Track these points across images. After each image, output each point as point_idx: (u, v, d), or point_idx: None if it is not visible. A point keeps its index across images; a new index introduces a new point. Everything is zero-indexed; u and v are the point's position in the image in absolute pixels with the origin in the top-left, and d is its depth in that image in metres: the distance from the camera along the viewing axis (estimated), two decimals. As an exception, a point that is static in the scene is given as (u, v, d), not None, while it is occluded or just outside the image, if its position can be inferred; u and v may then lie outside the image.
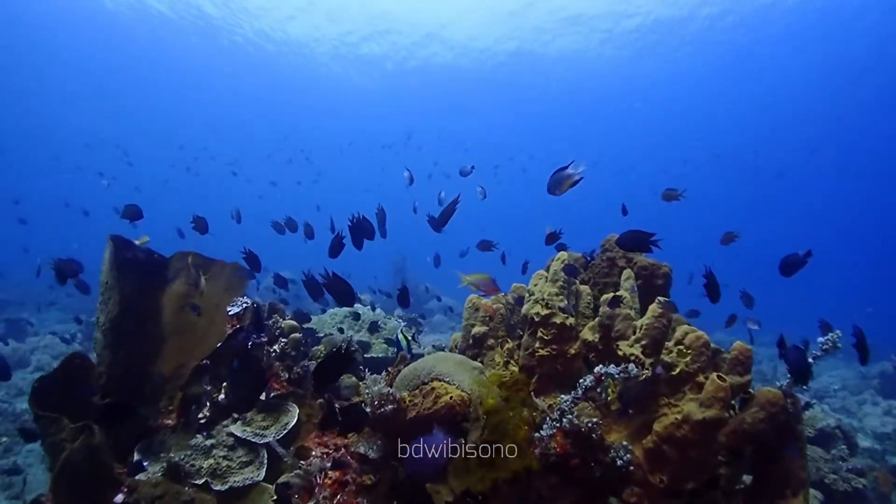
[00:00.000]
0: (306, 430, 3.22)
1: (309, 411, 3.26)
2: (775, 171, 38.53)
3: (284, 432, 3.16)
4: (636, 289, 2.80)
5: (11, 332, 10.56)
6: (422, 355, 4.51)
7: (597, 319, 2.67)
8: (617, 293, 2.56)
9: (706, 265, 3.02)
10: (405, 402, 2.63)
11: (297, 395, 3.31)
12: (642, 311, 2.87)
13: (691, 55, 26.64)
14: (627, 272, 2.90)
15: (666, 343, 2.45)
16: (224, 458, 3.06)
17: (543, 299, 2.70)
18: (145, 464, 3.01)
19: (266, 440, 3.11)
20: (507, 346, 2.91)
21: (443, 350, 5.80)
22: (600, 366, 2.37)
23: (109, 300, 3.25)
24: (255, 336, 3.39)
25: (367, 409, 2.64)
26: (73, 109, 33.86)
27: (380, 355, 5.44)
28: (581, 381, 2.38)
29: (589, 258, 3.55)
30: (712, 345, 2.46)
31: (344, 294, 3.08)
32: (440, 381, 2.61)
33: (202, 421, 3.18)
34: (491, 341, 3.02)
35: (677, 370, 2.42)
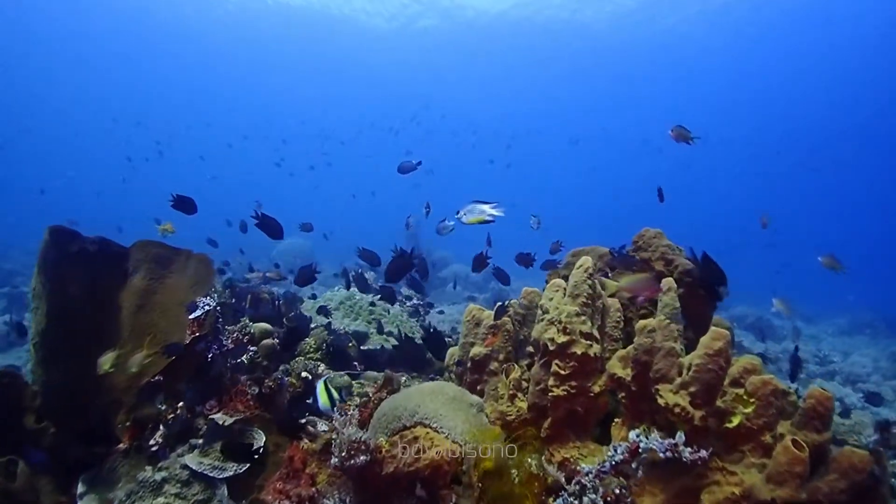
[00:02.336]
0: (273, 463, 2.70)
1: (277, 440, 2.73)
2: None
3: (248, 465, 2.64)
4: (680, 314, 2.19)
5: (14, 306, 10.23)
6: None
7: (629, 350, 2.07)
8: (657, 323, 1.94)
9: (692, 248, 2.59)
10: (381, 452, 2.07)
11: (263, 420, 2.78)
12: (688, 328, 2.28)
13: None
14: (668, 283, 2.28)
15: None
16: (176, 496, 2.57)
17: (560, 321, 2.10)
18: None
19: (226, 474, 2.60)
20: (513, 374, 2.33)
21: (444, 334, 5.26)
22: (637, 432, 1.79)
23: (38, 310, 2.73)
24: (215, 347, 2.85)
25: (335, 459, 2.09)
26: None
27: (377, 347, 4.90)
28: (610, 452, 1.80)
29: (616, 255, 2.92)
30: (779, 384, 1.85)
31: (273, 229, 3.27)
32: (426, 426, 2.05)
33: (154, 448, 2.68)
34: (494, 365, 2.43)
35: (734, 422, 1.83)
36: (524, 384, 2.38)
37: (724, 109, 34.70)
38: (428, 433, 2.01)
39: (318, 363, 4.31)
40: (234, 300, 4.65)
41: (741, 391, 1.86)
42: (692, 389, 1.82)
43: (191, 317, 2.95)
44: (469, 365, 2.45)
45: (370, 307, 5.32)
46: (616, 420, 2.11)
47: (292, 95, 39.61)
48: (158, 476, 2.58)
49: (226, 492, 2.60)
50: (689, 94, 33.88)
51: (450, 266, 15.63)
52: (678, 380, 1.87)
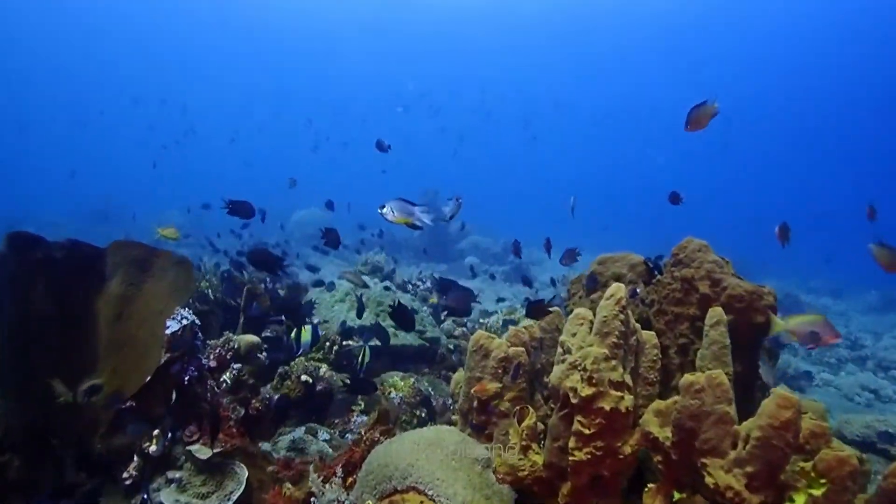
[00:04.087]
0: (256, 501, 2.40)
1: (261, 475, 2.43)
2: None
3: (229, 504, 2.35)
4: (730, 352, 1.82)
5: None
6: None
7: (669, 405, 1.70)
8: (706, 380, 1.56)
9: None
10: (369, 522, 1.75)
11: (246, 453, 2.48)
12: (735, 360, 1.90)
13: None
14: (716, 314, 1.90)
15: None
16: (149, 539, 2.29)
17: (586, 368, 1.73)
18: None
19: (205, 515, 2.32)
20: (526, 420, 1.97)
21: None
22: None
23: None
24: (192, 368, 2.54)
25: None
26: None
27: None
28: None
29: (653, 267, 2.53)
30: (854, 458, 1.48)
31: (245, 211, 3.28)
32: (420, 493, 1.71)
33: (128, 482, 2.39)
34: (505, 405, 2.08)
35: (798, 502, 1.47)
36: (540, 432, 2.03)
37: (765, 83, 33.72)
38: (422, 503, 1.67)
39: (320, 365, 4.02)
40: (228, 294, 4.35)
41: (807, 465, 1.50)
42: (749, 469, 1.46)
43: (168, 332, 2.64)
44: (475, 404, 2.10)
45: (378, 299, 4.99)
46: (650, 485, 1.76)
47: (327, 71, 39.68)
48: (131, 516, 2.31)
49: (204, 534, 2.32)
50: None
51: (468, 237, 15.27)
52: (732, 454, 1.51)
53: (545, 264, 15.80)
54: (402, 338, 4.70)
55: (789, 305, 11.73)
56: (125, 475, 2.38)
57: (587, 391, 1.70)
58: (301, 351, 3.61)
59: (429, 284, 6.87)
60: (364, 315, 4.68)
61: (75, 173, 20.14)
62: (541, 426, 2.07)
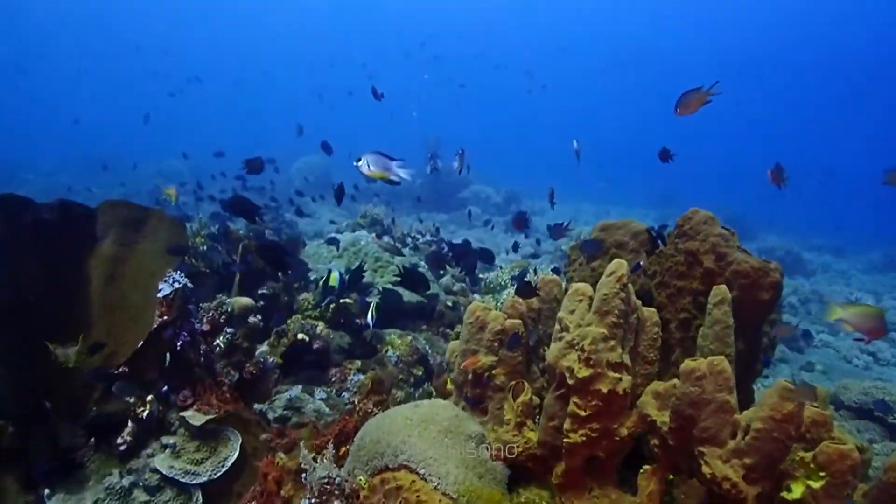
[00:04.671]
0: (250, 467, 2.40)
1: (255, 443, 2.42)
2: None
3: (223, 470, 2.35)
4: (733, 331, 1.76)
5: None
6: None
7: (668, 388, 1.66)
8: (707, 366, 1.50)
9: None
10: (359, 499, 1.73)
11: (240, 419, 2.46)
12: (737, 338, 1.85)
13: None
14: (720, 293, 1.84)
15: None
16: (145, 504, 2.30)
17: (583, 348, 1.68)
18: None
19: (199, 480, 2.32)
20: (521, 396, 1.93)
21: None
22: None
23: None
24: (184, 333, 2.50)
25: (306, 502, 1.76)
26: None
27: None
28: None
29: (656, 236, 2.46)
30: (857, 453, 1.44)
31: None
32: (412, 471, 1.69)
33: (122, 448, 2.39)
34: (501, 378, 2.04)
35: (795, 493, 1.45)
36: (535, 407, 2.00)
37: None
38: (414, 482, 1.65)
39: (316, 323, 4.00)
40: (227, 249, 4.30)
41: (807, 456, 1.46)
42: (748, 461, 1.42)
43: (161, 295, 2.59)
44: (470, 377, 2.06)
45: (377, 255, 4.93)
46: (646, 467, 1.73)
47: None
48: (126, 482, 2.32)
49: (200, 498, 2.33)
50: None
51: (469, 186, 15.12)
52: (730, 444, 1.47)
53: (547, 214, 15.71)
54: (401, 295, 4.66)
55: (790, 263, 11.70)
56: (119, 440, 2.37)
57: (584, 372, 1.66)
58: (327, 298, 3.58)
59: (428, 237, 6.78)
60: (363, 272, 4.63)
61: (79, 121, 19.79)
62: (536, 400, 2.04)
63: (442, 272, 5.94)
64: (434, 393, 3.55)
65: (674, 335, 2.13)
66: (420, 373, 4.03)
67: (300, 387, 3.60)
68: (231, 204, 2.96)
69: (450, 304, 4.96)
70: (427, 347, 4.26)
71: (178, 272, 2.64)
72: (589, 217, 16.47)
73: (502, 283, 5.13)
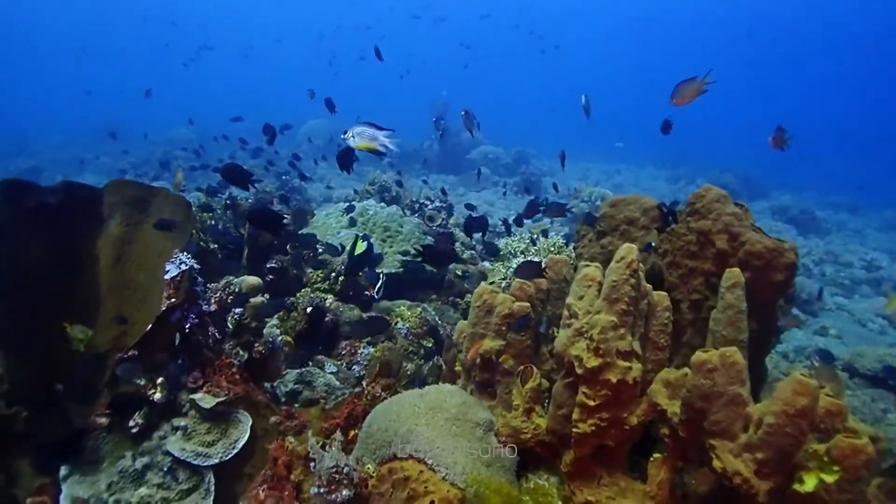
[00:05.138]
0: (261, 449, 2.42)
1: (265, 424, 2.44)
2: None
3: (234, 452, 2.38)
4: (745, 316, 1.72)
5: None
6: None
7: (680, 383, 1.63)
8: (719, 359, 1.46)
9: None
10: (367, 487, 1.74)
11: (249, 402, 2.47)
12: (750, 317, 1.81)
13: None
14: (733, 276, 1.79)
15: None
16: (159, 486, 2.33)
17: (592, 337, 1.65)
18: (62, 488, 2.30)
19: (211, 462, 2.35)
20: (530, 382, 1.91)
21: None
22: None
23: None
24: (192, 316, 2.50)
25: (315, 489, 1.76)
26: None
27: (394, 270, 4.53)
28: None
29: (667, 212, 2.39)
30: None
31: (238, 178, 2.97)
32: (419, 462, 1.68)
33: (134, 430, 2.41)
34: (509, 362, 2.02)
35: (807, 485, 1.42)
36: (545, 391, 1.98)
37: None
38: (422, 472, 1.65)
39: (326, 296, 3.99)
40: (235, 223, 4.28)
41: (820, 448, 1.43)
42: (759, 455, 1.40)
43: (167, 276, 2.57)
44: (479, 361, 2.05)
45: (385, 224, 4.89)
46: (656, 455, 1.72)
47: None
48: (139, 464, 2.34)
49: (212, 480, 2.36)
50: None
51: (479, 147, 14.95)
52: (742, 438, 1.44)
53: (557, 175, 15.56)
54: (410, 266, 4.64)
55: (804, 222, 11.53)
56: (131, 423, 2.39)
57: (593, 362, 1.63)
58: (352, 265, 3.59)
59: (437, 203, 6.72)
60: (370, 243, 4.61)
61: (91, 92, 19.64)
62: (545, 383, 2.02)
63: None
64: (444, 366, 3.56)
65: (685, 316, 2.09)
66: (430, 344, 4.02)
67: (310, 361, 3.62)
68: (224, 172, 2.91)
69: (459, 273, 4.93)
70: (437, 318, 4.25)
71: (185, 253, 2.62)
72: (599, 176, 16.30)
73: (512, 251, 5.08)
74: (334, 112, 5.82)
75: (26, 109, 22.72)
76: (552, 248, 4.99)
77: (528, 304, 2.06)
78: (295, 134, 14.32)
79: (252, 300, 2.73)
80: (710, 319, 1.86)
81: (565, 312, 1.82)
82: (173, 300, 2.50)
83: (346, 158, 3.27)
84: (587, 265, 2.08)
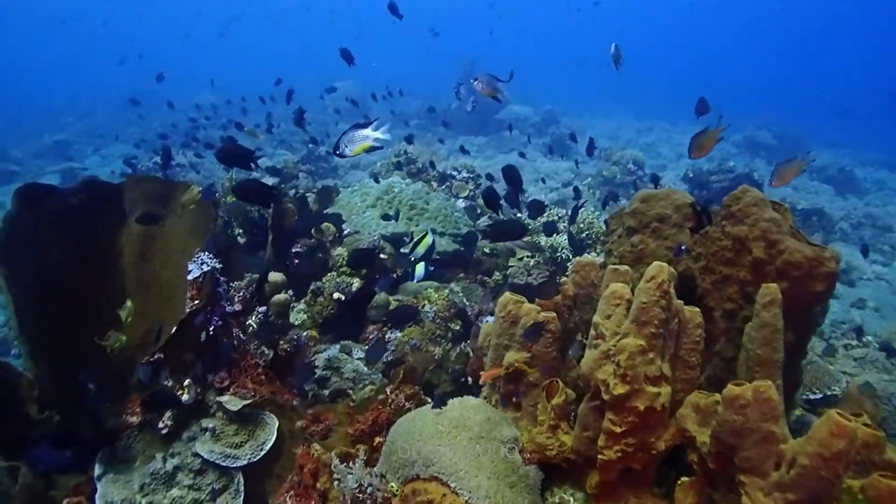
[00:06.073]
0: (288, 450, 2.45)
1: (290, 425, 2.45)
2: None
3: (262, 454, 2.41)
4: (782, 335, 1.65)
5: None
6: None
7: (711, 410, 1.57)
8: (753, 394, 1.40)
9: None
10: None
11: (275, 403, 2.49)
12: (787, 329, 1.73)
13: None
14: (769, 292, 1.70)
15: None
16: (190, 487, 2.38)
17: (620, 363, 1.59)
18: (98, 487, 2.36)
19: (239, 463, 2.38)
20: (555, 398, 1.87)
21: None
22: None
23: (11, 303, 2.37)
24: (216, 319, 2.50)
25: (340, 507, 1.77)
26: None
27: (420, 251, 4.49)
28: None
29: (701, 211, 2.29)
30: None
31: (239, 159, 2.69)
32: (442, 484, 1.67)
33: (164, 432, 2.45)
34: (535, 375, 1.98)
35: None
36: (570, 403, 1.94)
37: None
38: (445, 496, 1.64)
39: (352, 280, 3.98)
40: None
41: (855, 485, 1.38)
42: (791, 497, 1.34)
43: (190, 277, 2.57)
44: (503, 374, 2.01)
45: (412, 201, 4.83)
46: (684, 479, 1.68)
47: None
48: (170, 466, 2.39)
49: (241, 480, 2.40)
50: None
51: (507, 107, 14.67)
52: (773, 476, 1.39)
53: (587, 134, 15.21)
54: (436, 244, 4.59)
55: (842, 181, 11.11)
56: (161, 425, 2.43)
57: (620, 389, 1.58)
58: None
59: (465, 174, 6.63)
60: (399, 221, 4.57)
61: (124, 61, 19.57)
62: (572, 395, 1.98)
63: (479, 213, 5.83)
64: (471, 354, 3.54)
65: (718, 325, 2.02)
66: (458, 327, 4.00)
67: (338, 346, 3.63)
68: (222, 153, 2.76)
69: (487, 250, 4.87)
70: (465, 300, 4.22)
71: (206, 253, 2.61)
72: (631, 134, 15.87)
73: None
74: (353, 64, 5.70)
75: (58, 82, 22.88)
76: (582, 224, 4.90)
77: (554, 315, 2.00)
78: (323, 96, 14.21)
79: (275, 298, 2.72)
80: (745, 335, 1.79)
81: (592, 332, 1.76)
82: (196, 302, 2.50)
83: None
84: (615, 267, 2.02)
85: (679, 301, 1.77)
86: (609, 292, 1.77)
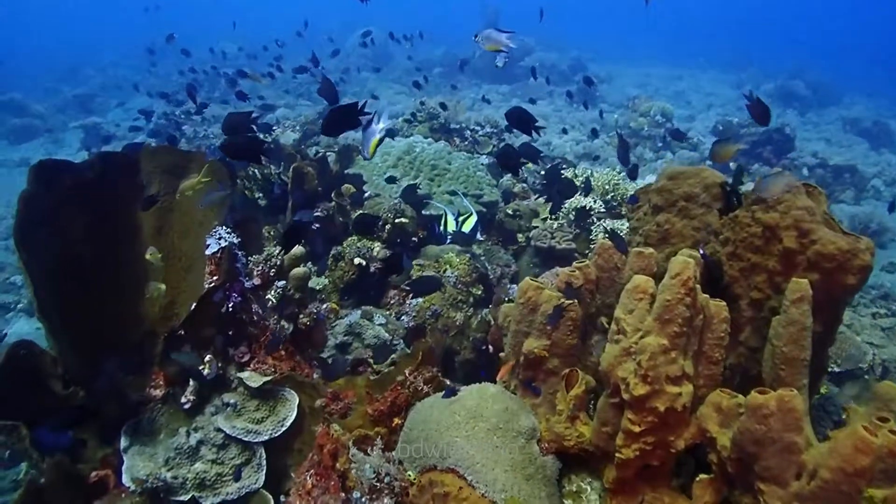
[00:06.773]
0: (309, 427, 2.48)
1: (310, 402, 2.48)
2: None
3: (283, 430, 2.45)
4: (811, 332, 1.59)
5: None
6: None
7: (733, 412, 1.53)
8: (776, 403, 1.35)
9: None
10: (408, 496, 1.75)
11: (295, 380, 2.51)
12: (816, 320, 1.68)
13: None
14: (799, 288, 1.64)
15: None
16: (213, 461, 2.44)
17: (641, 363, 1.55)
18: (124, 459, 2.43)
19: (261, 438, 2.43)
20: (574, 389, 1.85)
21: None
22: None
23: (31, 284, 2.38)
24: (235, 295, 2.50)
25: (357, 493, 1.79)
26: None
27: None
28: None
29: (730, 192, 2.19)
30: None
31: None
32: (458, 476, 1.68)
33: (187, 406, 2.49)
34: (555, 362, 1.95)
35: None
36: (591, 391, 1.92)
37: None
38: (461, 489, 1.64)
39: (373, 245, 3.96)
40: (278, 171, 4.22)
41: (877, 495, 1.34)
42: (815, 510, 1.32)
43: (208, 252, 2.57)
44: (521, 360, 1.99)
45: (433, 162, 4.75)
46: (702, 476, 1.66)
47: None
48: (193, 440, 2.43)
49: (263, 454, 2.45)
50: None
51: (532, 54, 14.27)
52: (794, 486, 1.36)
53: (615, 82, 14.79)
54: (456, 205, 4.53)
55: (877, 134, 10.66)
56: (183, 400, 2.47)
57: (641, 390, 1.55)
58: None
59: (488, 129, 6.50)
60: (419, 182, 4.51)
61: (148, 9, 19.24)
62: (592, 382, 1.96)
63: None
64: (493, 322, 3.52)
65: (744, 313, 1.96)
66: (479, 292, 3.98)
67: (359, 311, 3.64)
68: (230, 150, 2.41)
69: (510, 211, 4.80)
70: (486, 264, 4.19)
71: (224, 227, 2.60)
72: (659, 83, 15.36)
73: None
74: (366, 1, 5.58)
75: (80, 34, 22.66)
76: (607, 186, 4.79)
77: (574, 302, 1.96)
78: (343, 43, 13.93)
79: (294, 272, 2.72)
80: (771, 329, 1.73)
81: (613, 326, 1.72)
82: (215, 278, 2.50)
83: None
84: (640, 250, 1.97)
85: (704, 295, 1.72)
86: (632, 286, 1.72)
